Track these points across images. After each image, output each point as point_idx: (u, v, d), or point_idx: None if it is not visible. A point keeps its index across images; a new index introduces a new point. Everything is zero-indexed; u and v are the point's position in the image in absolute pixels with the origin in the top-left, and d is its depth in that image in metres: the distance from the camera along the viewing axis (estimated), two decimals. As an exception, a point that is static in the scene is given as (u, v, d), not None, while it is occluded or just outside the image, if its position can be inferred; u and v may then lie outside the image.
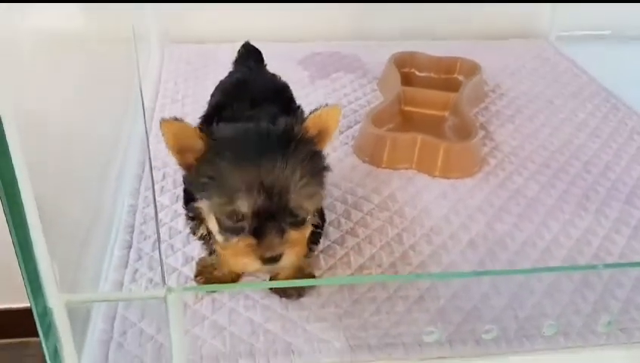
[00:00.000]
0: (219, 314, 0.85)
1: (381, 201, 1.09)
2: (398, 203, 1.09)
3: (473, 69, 1.45)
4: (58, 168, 1.05)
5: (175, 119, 0.69)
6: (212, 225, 0.73)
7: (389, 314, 0.86)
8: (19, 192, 0.58)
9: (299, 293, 0.87)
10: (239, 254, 0.70)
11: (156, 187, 1.10)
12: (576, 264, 0.97)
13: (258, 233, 0.68)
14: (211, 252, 0.87)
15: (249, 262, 0.69)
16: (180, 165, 0.73)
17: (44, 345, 0.67)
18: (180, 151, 0.71)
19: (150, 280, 0.90)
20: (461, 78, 1.46)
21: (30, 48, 0.76)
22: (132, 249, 0.96)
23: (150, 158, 0.68)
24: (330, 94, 1.43)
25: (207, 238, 0.83)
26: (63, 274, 0.68)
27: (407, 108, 1.34)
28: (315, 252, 0.94)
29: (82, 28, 0.96)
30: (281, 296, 0.88)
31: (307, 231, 0.74)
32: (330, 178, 1.11)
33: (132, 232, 0.99)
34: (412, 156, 1.17)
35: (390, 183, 1.14)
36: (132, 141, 1.21)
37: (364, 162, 1.20)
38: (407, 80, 1.43)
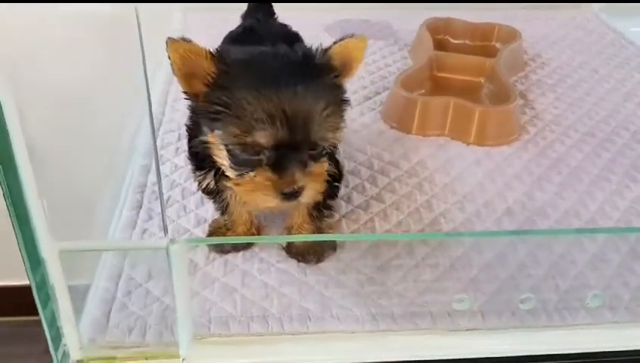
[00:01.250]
0: (230, 277, 0.78)
1: (410, 167, 1.01)
2: (428, 170, 1.01)
3: (511, 35, 1.35)
4: (72, 128, 1.01)
5: (184, 39, 0.61)
6: (223, 159, 0.67)
7: (417, 282, 0.79)
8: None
9: (319, 257, 0.81)
10: (257, 189, 0.64)
11: (171, 148, 1.04)
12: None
13: (278, 166, 0.63)
14: (223, 212, 0.81)
15: (267, 198, 0.64)
16: (187, 93, 0.66)
17: (36, 298, 0.62)
18: (187, 76, 0.64)
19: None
20: (498, 45, 1.36)
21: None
22: (142, 209, 0.90)
23: (150, 113, 0.60)
24: (358, 61, 1.35)
25: (216, 191, 0.77)
26: (68, 232, 0.63)
27: (439, 74, 1.25)
28: (335, 214, 0.87)
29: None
30: (299, 261, 0.81)
31: (325, 165, 0.69)
32: (355, 141, 1.07)
33: (143, 192, 0.93)
34: (445, 122, 1.09)
35: (420, 149, 1.06)
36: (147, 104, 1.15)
37: (392, 128, 1.12)
38: (441, 47, 1.34)
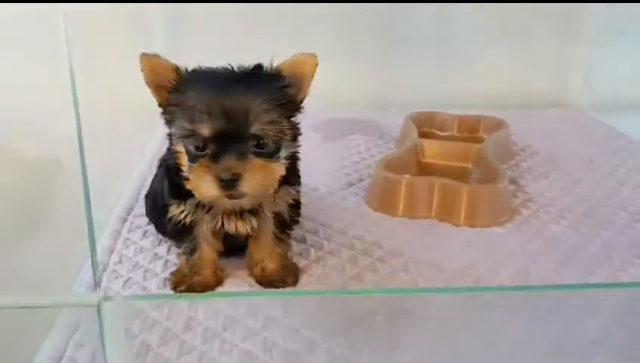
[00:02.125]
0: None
1: (394, 248, 0.94)
2: (414, 250, 0.93)
3: (498, 126, 1.33)
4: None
5: (154, 54, 0.71)
6: (184, 160, 0.72)
7: None
8: None
9: (284, 281, 0.83)
10: (199, 178, 0.68)
11: (139, 231, 0.98)
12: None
13: (217, 156, 0.68)
14: (192, 251, 0.81)
15: (209, 186, 0.68)
16: (158, 101, 0.73)
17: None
18: (157, 87, 0.72)
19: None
20: (485, 136, 1.33)
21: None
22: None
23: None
24: (343, 153, 1.32)
25: (187, 227, 0.79)
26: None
27: (425, 160, 1.21)
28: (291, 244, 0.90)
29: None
30: (265, 286, 0.83)
31: (277, 167, 0.72)
32: (335, 224, 1.00)
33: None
34: (431, 204, 1.03)
35: (406, 231, 0.99)
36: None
37: (376, 211, 1.06)
38: (427, 139, 1.31)
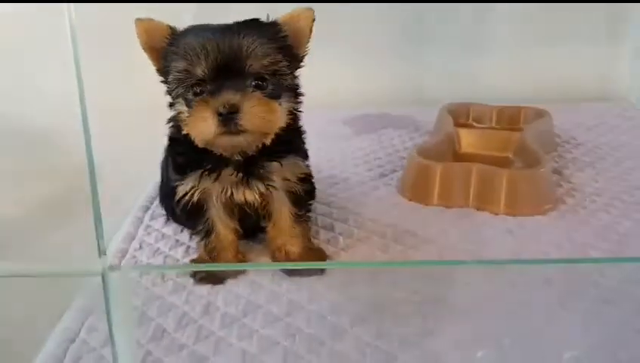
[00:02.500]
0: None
1: (428, 236, 0.88)
2: (450, 239, 0.87)
3: (540, 116, 1.26)
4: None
5: (149, 18, 0.70)
6: (184, 113, 0.71)
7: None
8: None
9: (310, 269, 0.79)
10: (198, 116, 0.66)
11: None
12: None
13: (215, 92, 0.66)
14: (207, 233, 0.78)
15: (206, 123, 0.66)
16: (155, 67, 0.73)
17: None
18: (152, 50, 0.71)
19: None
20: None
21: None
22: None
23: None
24: (375, 146, 1.27)
25: (199, 208, 0.76)
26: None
27: (462, 150, 1.15)
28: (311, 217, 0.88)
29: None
30: (290, 275, 0.78)
31: (277, 108, 0.70)
32: (366, 212, 0.95)
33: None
34: (468, 191, 0.97)
35: (441, 219, 0.93)
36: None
37: (410, 200, 1.00)
38: (464, 131, 1.25)
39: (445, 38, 1.60)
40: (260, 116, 0.66)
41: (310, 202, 0.83)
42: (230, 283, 0.76)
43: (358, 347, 0.64)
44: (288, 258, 0.79)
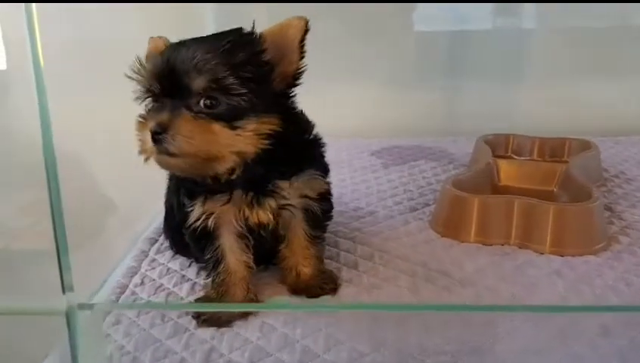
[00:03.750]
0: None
1: (465, 276, 0.78)
2: (489, 280, 0.77)
3: (585, 148, 1.15)
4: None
5: (161, 37, 0.67)
6: None
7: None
8: None
9: (322, 290, 0.74)
10: (138, 132, 0.63)
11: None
12: None
13: (156, 110, 0.63)
14: (216, 264, 0.70)
15: (145, 141, 0.61)
16: None
17: None
18: None
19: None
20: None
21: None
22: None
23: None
24: (406, 178, 1.17)
25: (208, 236, 0.69)
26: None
27: (502, 183, 1.05)
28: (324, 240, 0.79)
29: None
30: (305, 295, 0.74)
31: (220, 131, 0.62)
32: (394, 248, 0.85)
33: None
34: (510, 226, 0.87)
35: (478, 258, 0.83)
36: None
37: (443, 236, 0.90)
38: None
39: (480, 68, 1.52)
40: (188, 139, 0.60)
41: (327, 223, 0.77)
42: (237, 325, 0.67)
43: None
44: (299, 279, 0.74)
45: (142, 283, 0.77)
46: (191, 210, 0.68)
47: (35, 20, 0.42)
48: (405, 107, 1.48)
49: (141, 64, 0.63)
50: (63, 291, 0.41)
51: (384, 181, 1.15)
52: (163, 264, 0.82)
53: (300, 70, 0.65)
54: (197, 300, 0.73)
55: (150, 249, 0.86)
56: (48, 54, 0.45)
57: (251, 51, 0.63)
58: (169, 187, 0.80)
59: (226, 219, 0.68)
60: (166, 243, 0.87)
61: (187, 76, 0.61)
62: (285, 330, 0.66)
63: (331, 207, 0.78)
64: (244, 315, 0.68)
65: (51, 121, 0.43)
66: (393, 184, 1.13)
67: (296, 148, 0.68)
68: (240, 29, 0.65)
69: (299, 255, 0.74)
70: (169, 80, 0.62)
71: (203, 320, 0.68)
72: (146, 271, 0.80)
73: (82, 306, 0.41)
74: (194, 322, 0.68)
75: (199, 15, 1.39)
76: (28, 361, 0.64)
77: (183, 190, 0.71)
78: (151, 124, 0.60)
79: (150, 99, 0.64)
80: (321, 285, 0.74)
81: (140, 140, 0.62)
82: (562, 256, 0.83)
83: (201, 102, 0.61)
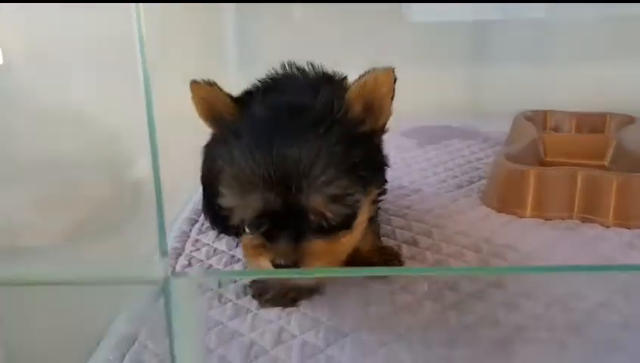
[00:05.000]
0: None
1: (532, 251, 0.73)
2: (558, 254, 0.73)
3: (628, 122, 1.11)
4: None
5: (206, 81, 0.58)
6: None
7: None
8: None
9: (385, 261, 0.69)
10: (253, 252, 0.56)
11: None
12: None
13: (270, 235, 0.54)
14: None
15: (262, 264, 0.55)
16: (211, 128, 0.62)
17: None
18: (209, 118, 0.60)
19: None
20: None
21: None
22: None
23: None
24: (444, 157, 1.12)
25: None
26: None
27: (550, 158, 1.00)
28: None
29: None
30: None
31: (347, 242, 0.57)
32: (451, 225, 0.80)
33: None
34: (572, 200, 0.82)
35: (542, 233, 0.79)
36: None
37: (498, 211, 0.85)
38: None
39: (504, 50, 1.48)
40: (319, 264, 0.53)
41: (380, 198, 0.69)
42: (304, 305, 0.62)
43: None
44: (358, 255, 0.65)
45: (189, 264, 0.71)
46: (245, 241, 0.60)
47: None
48: (430, 89, 1.43)
49: (240, 177, 0.54)
50: (161, 257, 0.35)
51: (422, 160, 1.10)
52: (208, 244, 0.77)
53: (386, 121, 0.61)
54: (253, 283, 0.67)
55: (191, 230, 0.81)
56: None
57: (356, 134, 0.57)
58: (204, 161, 0.74)
59: None
60: (207, 223, 0.82)
61: (301, 195, 0.53)
62: (356, 311, 0.61)
63: (384, 175, 0.69)
64: (310, 293, 0.63)
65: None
66: (432, 163, 1.09)
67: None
68: (329, 95, 0.57)
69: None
70: (277, 198, 0.53)
71: (266, 300, 0.62)
72: (191, 252, 0.75)
73: (176, 275, 0.35)
74: (254, 303, 0.62)
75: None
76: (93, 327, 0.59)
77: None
78: (277, 258, 0.53)
79: (242, 213, 0.56)
80: (384, 261, 0.69)
81: (255, 261, 0.56)
82: (629, 229, 0.78)
83: (322, 221, 0.54)
